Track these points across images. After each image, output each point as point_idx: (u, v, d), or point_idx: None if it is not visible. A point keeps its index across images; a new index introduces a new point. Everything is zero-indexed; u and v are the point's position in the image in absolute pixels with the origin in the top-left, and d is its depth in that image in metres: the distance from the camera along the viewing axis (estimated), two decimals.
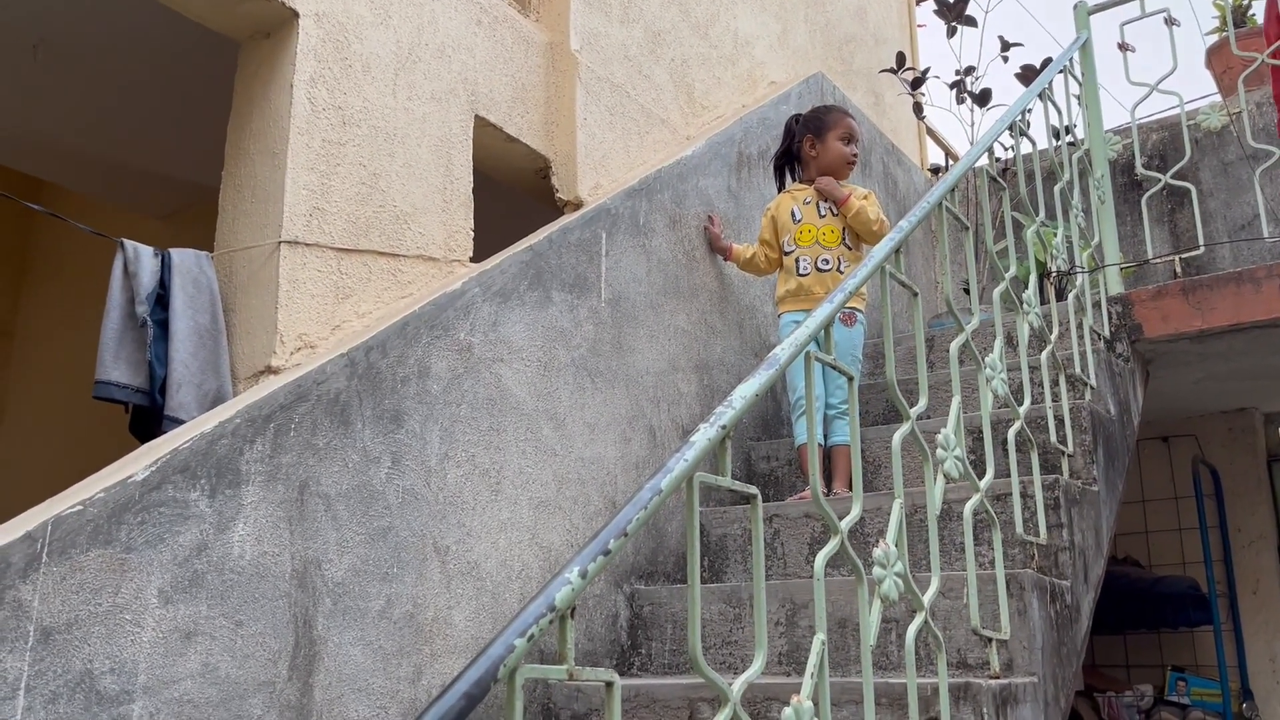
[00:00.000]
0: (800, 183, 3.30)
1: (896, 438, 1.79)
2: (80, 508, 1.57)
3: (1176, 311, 3.20)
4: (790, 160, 3.36)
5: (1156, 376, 3.50)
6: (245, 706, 1.74)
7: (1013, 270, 2.48)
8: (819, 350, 1.61)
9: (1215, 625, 3.89)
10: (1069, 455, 2.58)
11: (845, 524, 1.56)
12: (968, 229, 2.29)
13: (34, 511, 1.58)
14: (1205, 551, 4.00)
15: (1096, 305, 3.22)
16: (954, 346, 2.09)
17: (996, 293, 2.38)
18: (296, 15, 2.28)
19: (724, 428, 1.34)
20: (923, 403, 1.90)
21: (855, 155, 3.26)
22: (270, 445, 1.86)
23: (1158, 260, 3.44)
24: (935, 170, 5.32)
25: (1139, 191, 4.27)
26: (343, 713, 1.90)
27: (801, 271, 3.12)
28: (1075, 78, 3.40)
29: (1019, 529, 2.22)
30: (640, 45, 3.39)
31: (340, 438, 1.99)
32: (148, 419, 2.06)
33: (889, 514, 2.43)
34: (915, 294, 1.96)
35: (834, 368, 1.65)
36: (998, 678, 1.94)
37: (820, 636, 1.45)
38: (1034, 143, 2.89)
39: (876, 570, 1.61)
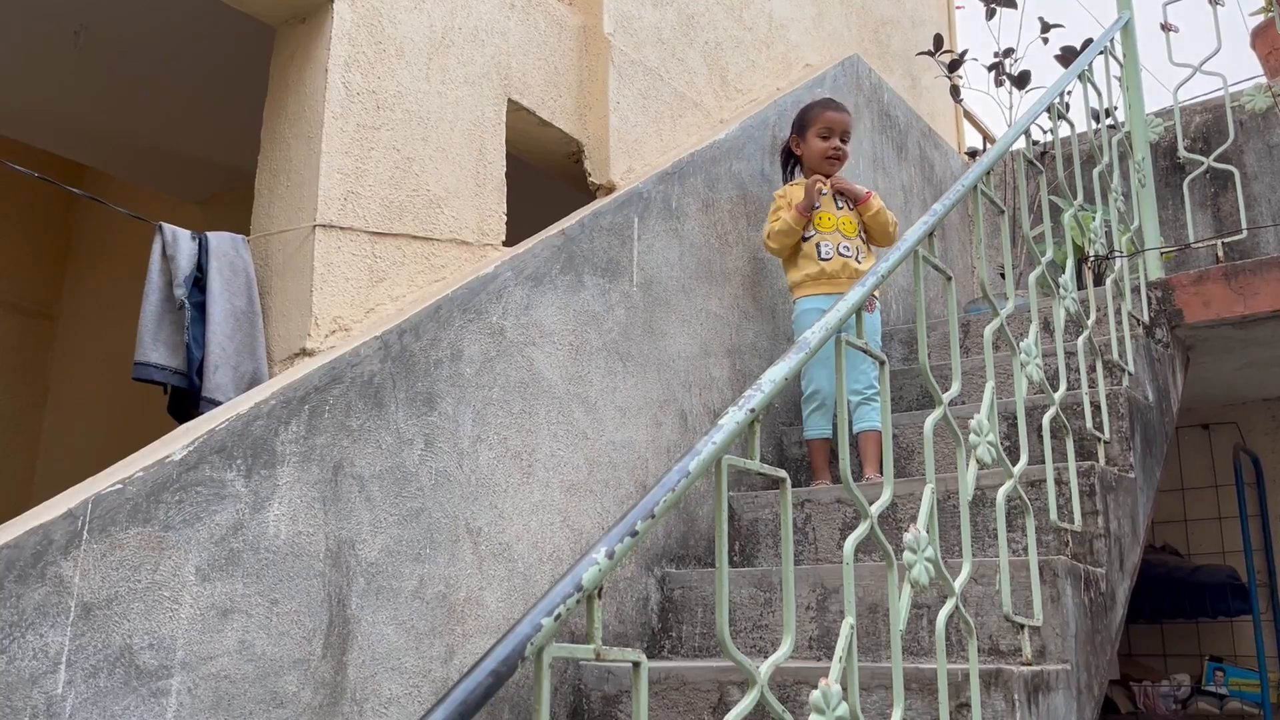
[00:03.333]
0: (806, 178, 3.29)
1: (929, 423, 1.78)
2: (120, 486, 1.59)
3: (1218, 297, 3.15)
4: (791, 156, 3.36)
5: (1197, 363, 3.44)
6: (280, 683, 1.77)
7: (1049, 255, 2.45)
8: (850, 335, 1.60)
9: (1255, 615, 3.83)
10: (1105, 442, 2.55)
11: (875, 509, 1.56)
12: (1003, 213, 2.27)
13: (75, 490, 1.62)
14: (1245, 540, 3.94)
15: (1136, 290, 3.17)
16: (988, 331, 2.07)
17: (1032, 277, 2.35)
18: (331, 0, 2.29)
19: (753, 410, 1.34)
20: (956, 387, 1.88)
21: (836, 150, 3.23)
22: (305, 426, 1.88)
23: (1199, 245, 3.38)
24: (972, 154, 5.25)
25: (1181, 175, 4.20)
26: (376, 690, 1.93)
27: (824, 256, 3.10)
28: (1116, 59, 3.34)
29: (1053, 516, 2.20)
30: (674, 28, 3.38)
31: (374, 419, 2.01)
32: (185, 400, 2.09)
33: (920, 500, 2.43)
34: (949, 278, 1.94)
35: (866, 352, 1.64)
36: (1030, 664, 1.93)
37: (849, 620, 1.45)
38: (1073, 125, 2.85)
39: (907, 555, 1.61)
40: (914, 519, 2.48)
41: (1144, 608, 3.99)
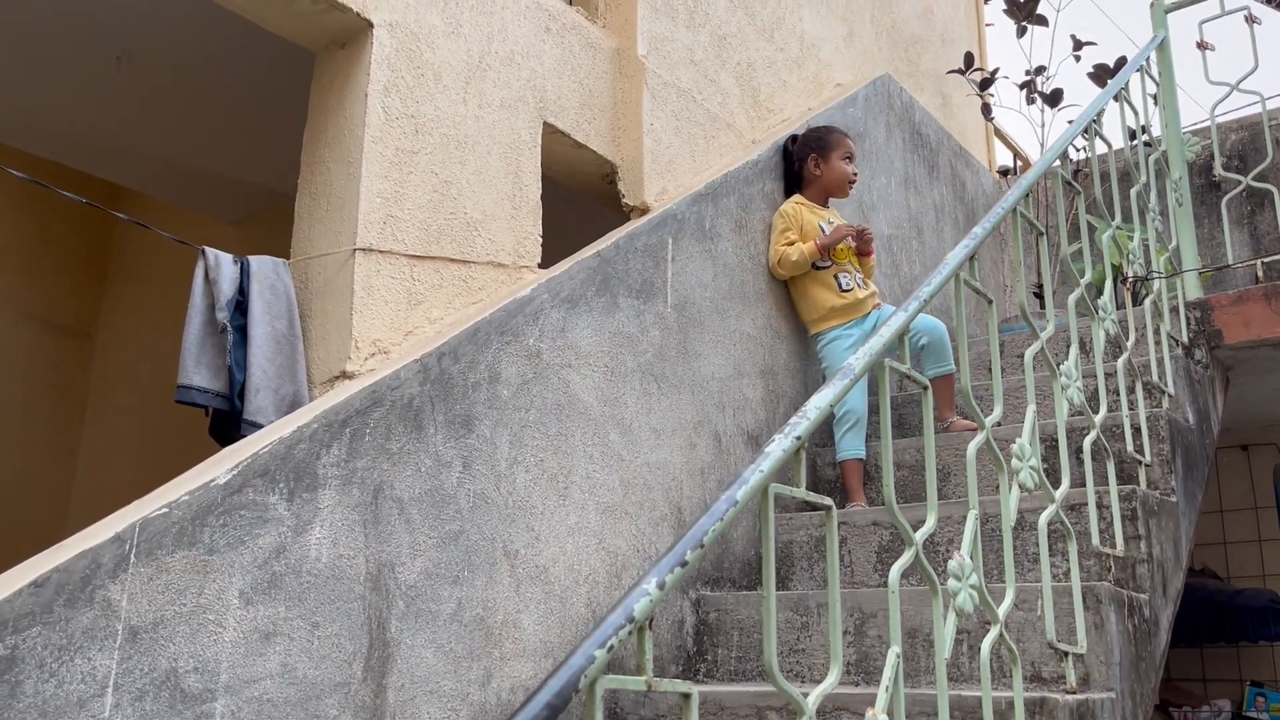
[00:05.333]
0: (807, 199, 3.29)
1: (971, 447, 1.77)
2: (166, 510, 1.61)
3: (1259, 317, 3.11)
4: (793, 179, 3.35)
5: (1236, 383, 3.40)
6: (322, 706, 1.77)
7: (1088, 276, 2.43)
8: (894, 361, 1.59)
9: None
10: (1146, 465, 2.53)
11: (920, 535, 1.55)
12: (1043, 234, 2.25)
13: (122, 513, 1.63)
14: None
15: (1174, 311, 3.14)
16: (1029, 355, 2.05)
17: (1071, 299, 2.33)
18: (371, 25, 2.32)
19: (799, 438, 1.34)
20: (997, 411, 1.87)
21: (856, 175, 3.35)
22: (346, 450, 1.89)
23: (1240, 265, 3.34)
24: (1004, 172, 5.23)
25: (1217, 193, 4.17)
26: (415, 714, 1.93)
27: (844, 287, 3.18)
28: (1152, 77, 3.32)
29: (1095, 540, 2.17)
30: (706, 49, 3.39)
31: (413, 442, 2.02)
32: (227, 423, 2.11)
33: (958, 522, 2.41)
34: (991, 302, 1.93)
35: (910, 378, 1.63)
36: (1074, 692, 1.91)
37: (895, 650, 1.44)
38: (1109, 144, 2.83)
39: (951, 583, 1.59)
40: (952, 543, 2.46)
41: (1184, 631, 3.93)
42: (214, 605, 1.65)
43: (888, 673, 1.41)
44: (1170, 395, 2.79)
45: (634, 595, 1.06)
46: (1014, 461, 1.88)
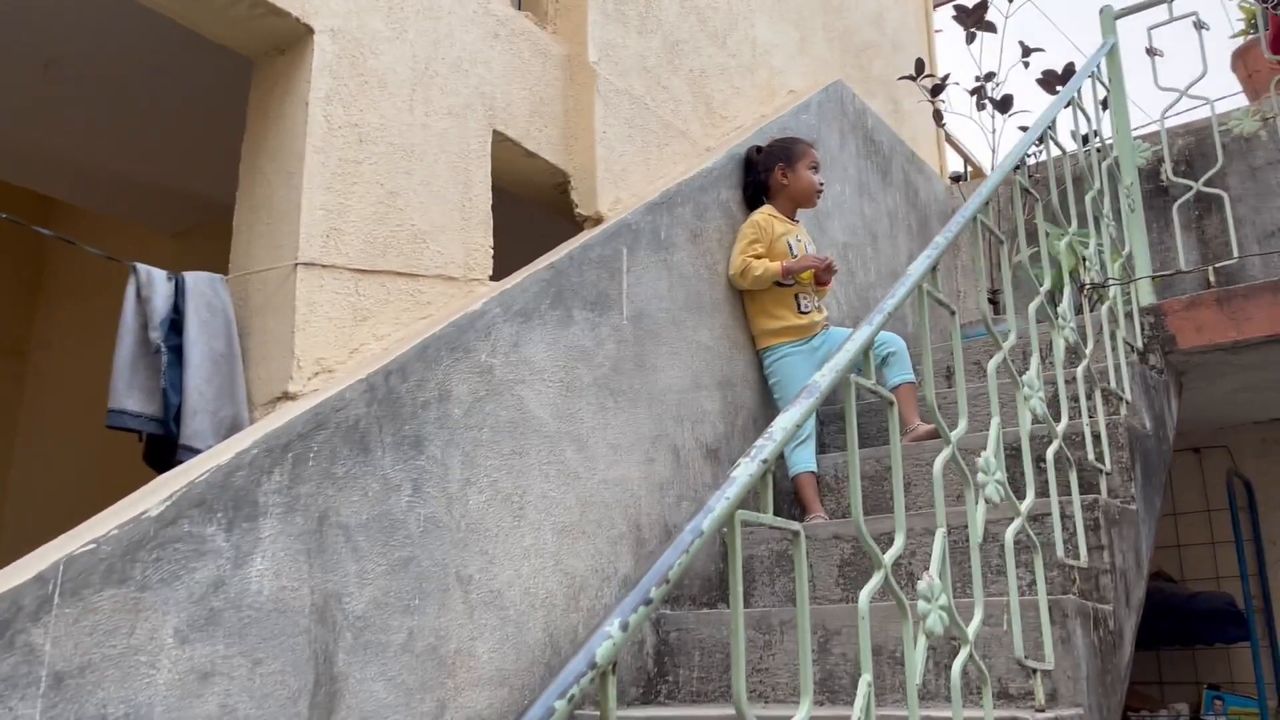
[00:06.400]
0: (776, 211, 3.25)
1: (938, 462, 1.72)
2: (93, 546, 1.51)
3: (1211, 322, 3.12)
4: (758, 190, 3.32)
5: (1189, 388, 3.42)
6: None
7: (1047, 284, 2.40)
8: (860, 377, 1.54)
9: (1253, 641, 3.79)
10: (1107, 473, 2.51)
11: (888, 557, 1.50)
12: (1003, 243, 2.22)
13: (45, 550, 1.53)
14: (1241, 566, 3.90)
15: (1129, 316, 3.14)
16: (992, 366, 2.02)
17: (1032, 307, 2.30)
18: (311, 31, 2.23)
19: (765, 461, 1.28)
20: (963, 425, 1.83)
21: (823, 184, 3.35)
22: (288, 476, 1.80)
23: (1191, 271, 3.36)
24: (956, 178, 5.24)
25: (1164, 198, 4.19)
26: None
27: (804, 309, 3.18)
28: (1103, 84, 3.32)
29: (1059, 552, 2.15)
30: (658, 56, 3.33)
31: (360, 466, 1.93)
32: (163, 448, 2.01)
33: (918, 534, 2.37)
34: (953, 312, 1.89)
35: (876, 393, 1.58)
36: (1043, 710, 1.87)
37: (866, 678, 1.38)
38: (1064, 150, 2.82)
39: (921, 604, 1.55)
40: (914, 555, 2.42)
41: (1140, 635, 3.94)
42: (146, 646, 1.55)
43: (859, 704, 1.35)
44: (1128, 402, 2.78)
45: (596, 638, 0.99)
46: (980, 475, 1.84)
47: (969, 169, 6.12)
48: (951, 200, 5.00)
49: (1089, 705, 2.01)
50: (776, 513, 2.99)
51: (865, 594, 1.42)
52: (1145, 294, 3.27)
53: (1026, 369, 2.19)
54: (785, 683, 2.34)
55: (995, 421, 1.96)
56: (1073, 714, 1.93)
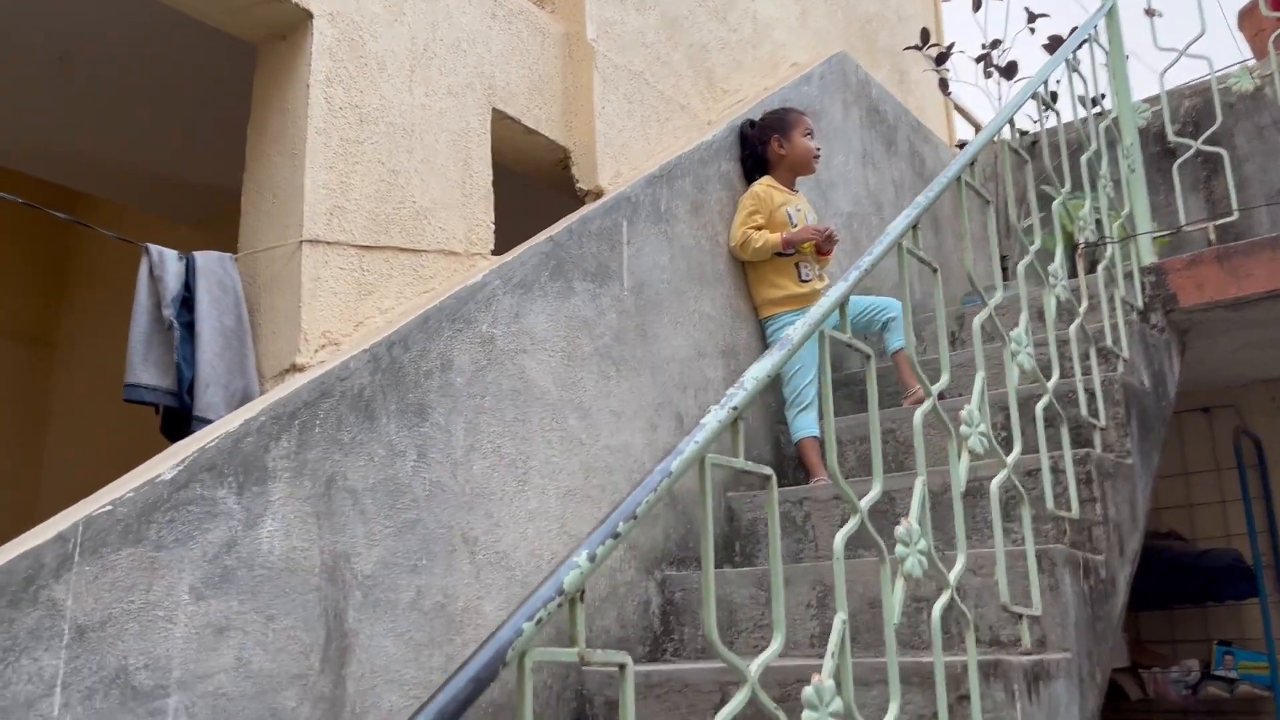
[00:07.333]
0: (776, 182, 3.29)
1: (918, 415, 1.78)
2: (110, 508, 1.60)
3: (1212, 279, 3.14)
4: (755, 163, 3.36)
5: (1193, 346, 3.43)
6: (279, 699, 1.77)
7: (1037, 243, 2.44)
8: (832, 329, 1.60)
9: (1262, 597, 3.82)
10: (1101, 429, 2.55)
11: (865, 503, 1.56)
12: (989, 203, 2.27)
13: (66, 513, 1.62)
14: (1249, 523, 3.92)
15: (1129, 276, 3.17)
16: (976, 322, 2.07)
17: (1021, 266, 2.35)
18: (310, 16, 2.30)
19: (735, 409, 1.34)
20: (945, 379, 1.88)
21: (819, 149, 3.39)
22: (296, 441, 1.89)
23: (1190, 228, 3.38)
24: (962, 146, 5.24)
25: (1173, 159, 4.19)
26: (376, 703, 1.93)
27: (805, 278, 3.22)
28: (1101, 46, 3.34)
29: (1049, 504, 2.19)
30: (657, 32, 3.38)
31: (365, 432, 2.01)
32: (178, 420, 2.10)
33: (891, 496, 2.42)
34: (935, 270, 1.94)
35: (852, 346, 1.64)
36: (1030, 654, 1.93)
37: (841, 616, 1.45)
38: (1059, 115, 2.85)
39: (899, 549, 1.61)
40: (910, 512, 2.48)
41: (1151, 594, 3.98)
42: (163, 601, 1.64)
43: (833, 639, 1.42)
44: (1125, 359, 2.82)
45: (564, 568, 1.06)
46: (963, 428, 1.90)
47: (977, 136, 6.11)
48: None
49: (1078, 650, 2.06)
50: (784, 478, 3.05)
51: (840, 536, 1.49)
52: (1146, 253, 3.29)
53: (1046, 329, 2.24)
54: (787, 636, 2.41)
55: (980, 375, 2.01)
56: (1060, 658, 1.99)
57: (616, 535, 1.13)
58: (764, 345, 3.28)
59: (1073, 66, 3.04)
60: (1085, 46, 3.27)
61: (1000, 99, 4.65)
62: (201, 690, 1.66)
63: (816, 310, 1.58)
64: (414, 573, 2.05)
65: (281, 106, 2.32)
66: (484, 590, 2.19)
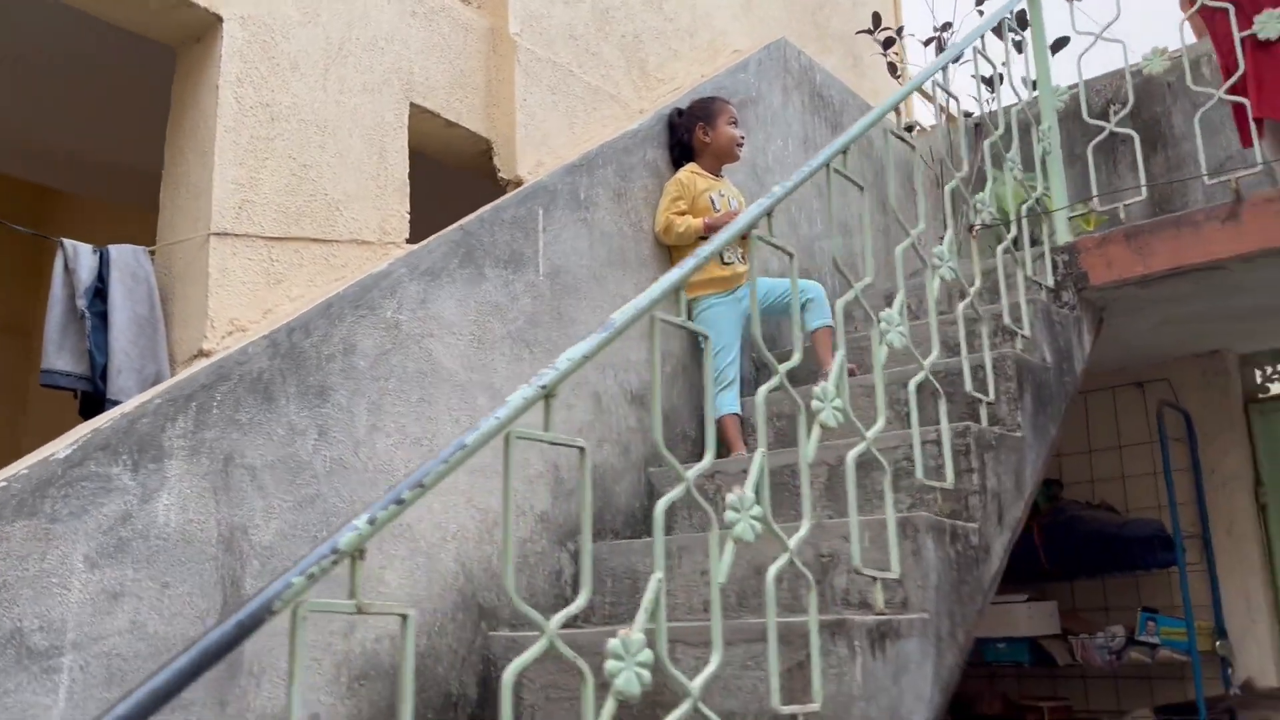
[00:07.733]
0: (700, 169, 3.40)
1: (761, 391, 1.90)
2: (4, 484, 1.75)
3: (1120, 258, 3.24)
4: (683, 151, 3.47)
5: (1111, 323, 3.53)
6: None
7: (921, 225, 2.55)
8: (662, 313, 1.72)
9: (1180, 566, 3.93)
10: (989, 403, 2.66)
11: (692, 474, 1.68)
12: (862, 189, 2.38)
13: None
14: (1170, 494, 4.03)
15: (1040, 256, 3.27)
16: (840, 304, 2.19)
17: (898, 250, 2.46)
18: (220, 20, 2.43)
19: (544, 387, 1.48)
20: (796, 357, 2.00)
21: (744, 137, 3.51)
22: (193, 422, 2.03)
23: (1103, 210, 3.47)
24: (909, 129, 5.33)
25: (1112, 140, 4.27)
26: (273, 664, 2.07)
27: (727, 260, 3.33)
28: (1012, 28, 3.43)
29: (919, 475, 2.32)
30: (587, 24, 3.49)
31: (264, 413, 2.16)
32: (95, 404, 2.25)
33: (795, 470, 2.54)
34: (791, 256, 2.06)
35: (684, 328, 1.76)
36: (881, 614, 2.05)
37: (657, 575, 1.58)
38: (955, 96, 2.95)
39: (729, 514, 1.73)
40: (784, 487, 2.61)
41: (1082, 564, 4.10)
42: (58, 569, 1.79)
43: (648, 597, 1.55)
44: (1025, 337, 2.93)
45: (344, 529, 1.20)
46: (814, 403, 2.02)
47: (945, 119, 6.17)
48: (906, 152, 5.10)
49: (937, 611, 2.19)
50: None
51: (662, 504, 1.62)
52: (1063, 233, 3.39)
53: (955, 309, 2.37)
54: (682, 603, 2.55)
55: (840, 354, 2.12)
56: (915, 618, 2.11)
57: (401, 501, 1.26)
58: None
59: (979, 51, 3.14)
60: (1005, 29, 3.37)
61: (950, 83, 4.74)
62: (96, 650, 1.81)
63: (644, 298, 1.70)
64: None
65: (195, 106, 2.46)
66: (386, 560, 2.33)
